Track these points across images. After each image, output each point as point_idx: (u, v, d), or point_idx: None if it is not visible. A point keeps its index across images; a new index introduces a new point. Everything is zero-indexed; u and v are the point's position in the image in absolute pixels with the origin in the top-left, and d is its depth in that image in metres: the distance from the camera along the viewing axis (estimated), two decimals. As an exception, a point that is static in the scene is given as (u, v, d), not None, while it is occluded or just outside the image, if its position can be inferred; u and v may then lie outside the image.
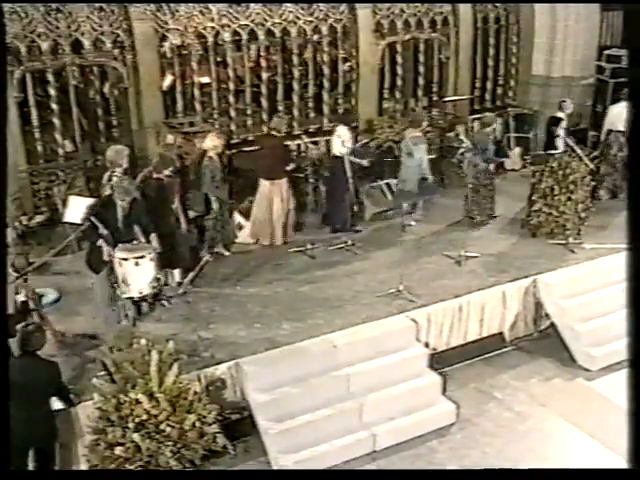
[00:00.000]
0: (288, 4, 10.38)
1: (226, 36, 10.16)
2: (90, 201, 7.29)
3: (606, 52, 11.82)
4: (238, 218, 9.23)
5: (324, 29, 10.75)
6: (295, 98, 10.85)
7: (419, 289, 7.84)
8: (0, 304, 4.35)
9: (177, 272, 7.92)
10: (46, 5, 8.91)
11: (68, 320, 7.17)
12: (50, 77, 9.21)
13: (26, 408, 5.02)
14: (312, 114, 11.11)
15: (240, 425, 6.55)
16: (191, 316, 7.40)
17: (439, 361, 7.49)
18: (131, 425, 5.66)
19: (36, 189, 9.24)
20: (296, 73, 10.82)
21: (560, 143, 9.33)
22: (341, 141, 8.96)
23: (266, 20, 10.29)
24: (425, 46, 11.66)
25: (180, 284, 7.89)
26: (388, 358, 7.03)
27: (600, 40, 12.13)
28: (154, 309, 7.45)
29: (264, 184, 8.92)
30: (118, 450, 5.62)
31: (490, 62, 12.34)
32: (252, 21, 10.22)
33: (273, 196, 8.88)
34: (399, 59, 11.48)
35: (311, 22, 10.61)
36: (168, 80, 10.14)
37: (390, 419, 6.67)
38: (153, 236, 6.89)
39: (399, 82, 11.66)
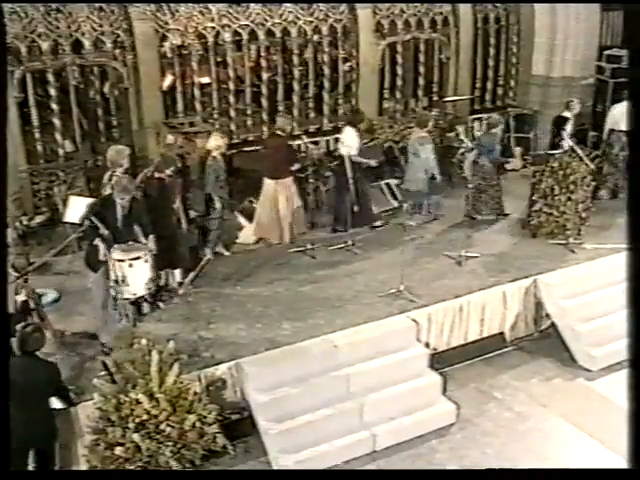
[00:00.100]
0: (288, 4, 10.38)
1: (226, 36, 10.15)
2: (90, 201, 7.29)
3: (606, 52, 11.82)
4: (238, 218, 9.23)
5: (324, 29, 10.74)
6: (295, 98, 10.85)
7: (420, 289, 7.83)
8: (0, 304, 4.35)
9: (178, 272, 7.92)
10: (46, 5, 8.91)
11: (68, 320, 7.18)
12: (50, 77, 9.20)
13: (25, 409, 5.02)
14: (312, 114, 11.11)
15: (240, 425, 6.55)
16: (191, 316, 7.40)
17: (439, 361, 7.50)
18: (131, 425, 5.66)
19: (36, 189, 9.24)
20: (296, 73, 10.81)
21: (566, 143, 9.31)
22: (347, 143, 8.99)
23: (266, 20, 10.29)
24: (425, 46, 11.65)
25: (181, 284, 7.89)
26: (388, 358, 7.04)
27: (600, 40, 12.13)
28: (155, 309, 7.46)
29: (269, 183, 8.93)
30: (118, 450, 5.62)
31: (490, 62, 12.32)
32: (252, 21, 10.22)
33: (278, 195, 8.89)
34: (399, 59, 11.47)
35: (311, 22, 10.60)
36: (168, 80, 10.14)
37: (390, 419, 6.68)
38: (150, 237, 6.88)
39: (399, 82, 11.65)
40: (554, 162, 8.84)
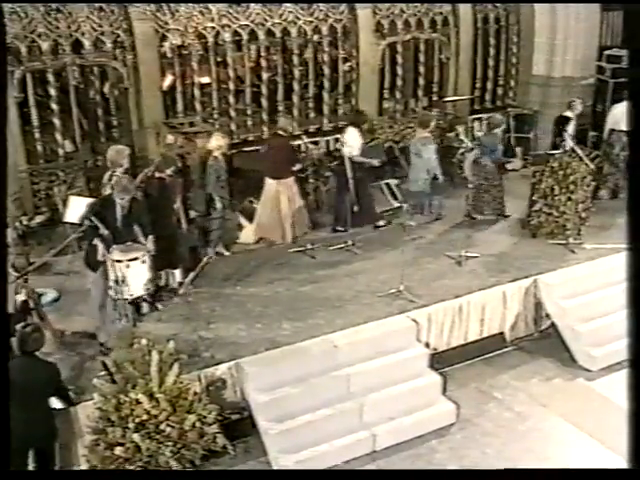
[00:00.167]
0: (288, 4, 10.38)
1: (226, 36, 10.15)
2: (90, 201, 7.28)
3: (606, 52, 11.81)
4: (239, 218, 9.23)
5: (324, 29, 10.74)
6: (295, 98, 10.85)
7: (420, 289, 7.83)
8: (0, 304, 4.35)
9: (178, 272, 7.92)
10: (46, 5, 8.91)
11: (68, 320, 7.17)
12: (50, 77, 9.21)
13: (25, 408, 5.02)
14: (312, 114, 11.11)
15: (240, 425, 6.55)
16: (191, 316, 7.40)
17: (439, 361, 7.50)
18: (131, 425, 5.67)
19: (36, 189, 9.24)
20: (296, 73, 10.82)
21: (567, 143, 9.30)
22: (350, 143, 8.99)
23: (266, 20, 10.29)
24: (425, 46, 11.65)
25: (181, 284, 7.89)
26: (388, 358, 7.04)
27: (600, 40, 12.13)
28: (155, 309, 7.45)
29: (270, 183, 8.93)
30: (118, 450, 5.62)
31: (490, 62, 12.32)
32: (252, 21, 10.22)
33: (280, 195, 8.90)
34: (399, 59, 11.47)
35: (311, 22, 10.60)
36: (168, 80, 10.14)
37: (390, 419, 6.68)
38: (150, 238, 6.87)
39: (399, 82, 11.64)
40: (554, 162, 8.84)
